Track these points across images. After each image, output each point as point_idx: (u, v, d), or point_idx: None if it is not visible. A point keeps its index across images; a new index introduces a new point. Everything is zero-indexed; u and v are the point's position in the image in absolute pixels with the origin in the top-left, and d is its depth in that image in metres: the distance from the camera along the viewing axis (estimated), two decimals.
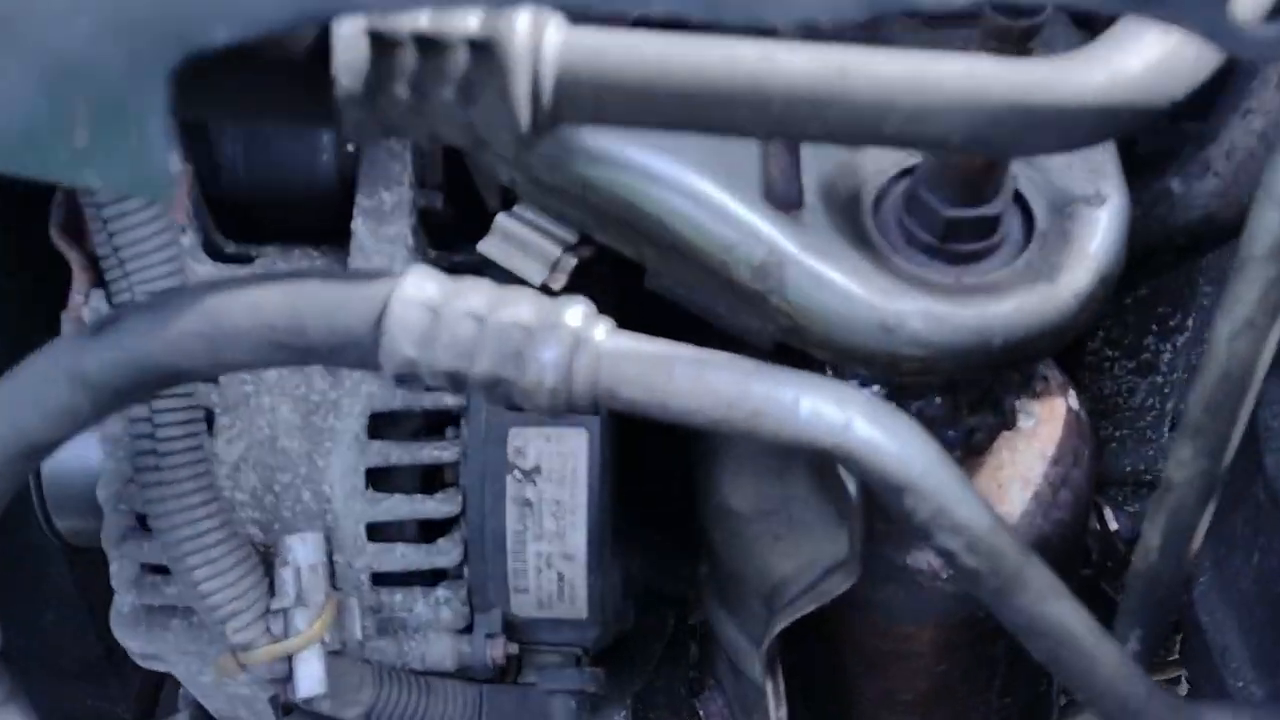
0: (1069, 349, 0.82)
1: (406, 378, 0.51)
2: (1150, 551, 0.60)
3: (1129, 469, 1.21)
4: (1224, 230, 0.89)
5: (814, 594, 0.77)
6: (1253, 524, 0.91)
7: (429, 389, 0.82)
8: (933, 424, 0.80)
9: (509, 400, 0.52)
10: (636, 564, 0.97)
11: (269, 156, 0.86)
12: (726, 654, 0.99)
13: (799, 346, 0.75)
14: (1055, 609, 0.57)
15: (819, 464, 0.79)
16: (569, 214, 0.80)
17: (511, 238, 0.80)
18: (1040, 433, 0.85)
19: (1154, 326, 1.16)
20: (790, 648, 0.89)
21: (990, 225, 0.73)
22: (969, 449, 0.81)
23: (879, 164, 0.76)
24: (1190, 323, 1.16)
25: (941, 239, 0.74)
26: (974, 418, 0.80)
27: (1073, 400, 0.90)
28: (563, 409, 0.52)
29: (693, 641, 1.10)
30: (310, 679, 0.80)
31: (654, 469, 0.97)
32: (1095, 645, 0.57)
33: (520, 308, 0.52)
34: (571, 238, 0.80)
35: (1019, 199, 0.75)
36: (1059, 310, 0.72)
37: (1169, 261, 0.93)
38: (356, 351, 0.51)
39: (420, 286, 0.51)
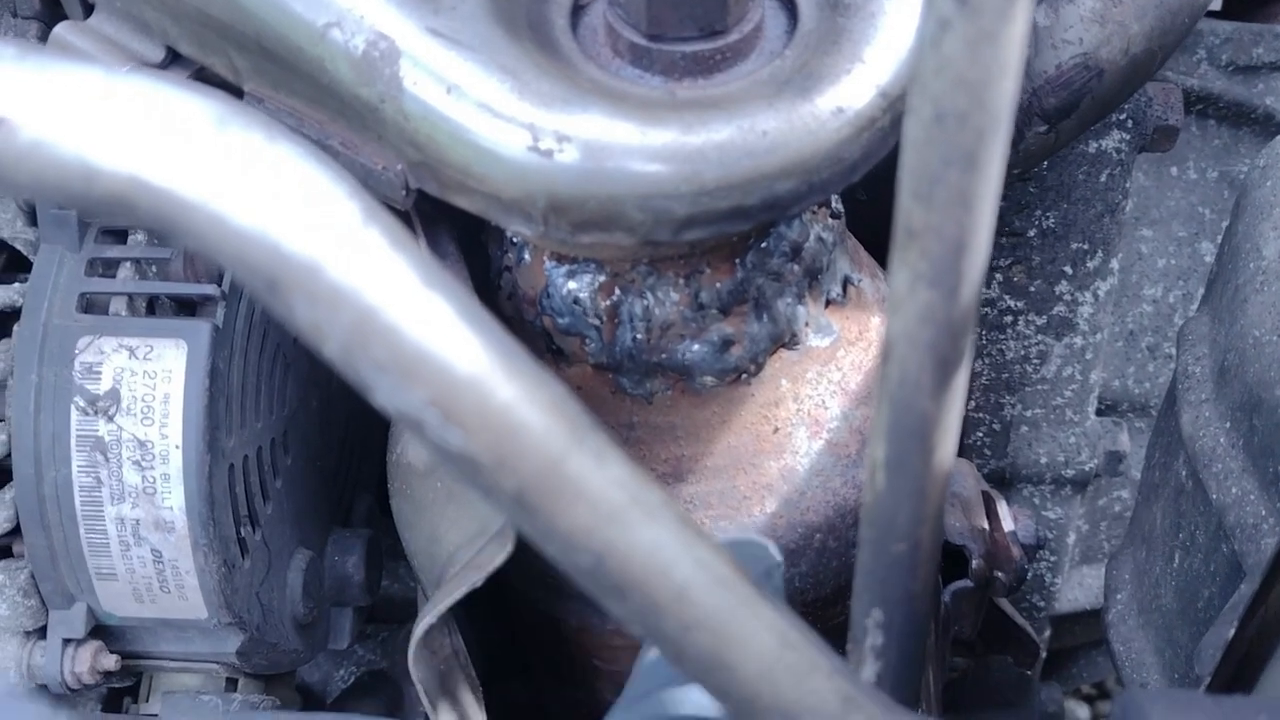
0: None
1: None
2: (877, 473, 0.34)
3: (1044, 460, 0.94)
4: (1110, 84, 0.63)
5: (469, 569, 0.52)
6: (1173, 513, 0.69)
7: None
8: (666, 331, 0.55)
9: None
10: (356, 564, 0.72)
11: None
12: None
13: (437, 194, 0.50)
14: (632, 529, 0.31)
15: None
16: (150, 19, 0.55)
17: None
18: (840, 358, 0.59)
19: (1067, 269, 0.90)
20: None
21: (714, 11, 0.48)
22: (724, 370, 0.55)
23: None
24: (1114, 265, 0.90)
25: (650, 34, 0.49)
26: (729, 323, 0.55)
27: None
28: None
29: None
30: None
31: None
32: (735, 607, 0.31)
33: None
34: (156, 53, 0.56)
35: None
36: (812, 134, 0.47)
37: (1041, 144, 0.67)
38: None
39: None
